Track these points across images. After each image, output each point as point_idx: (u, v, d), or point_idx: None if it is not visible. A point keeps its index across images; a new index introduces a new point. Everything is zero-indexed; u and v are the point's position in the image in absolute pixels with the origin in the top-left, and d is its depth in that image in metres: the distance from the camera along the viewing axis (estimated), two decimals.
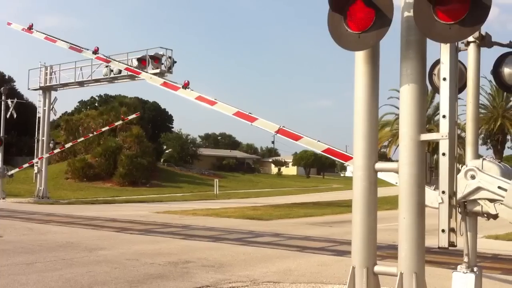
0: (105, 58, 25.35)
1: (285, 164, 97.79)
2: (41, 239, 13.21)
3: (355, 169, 5.47)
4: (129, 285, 7.90)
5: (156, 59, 25.39)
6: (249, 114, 11.49)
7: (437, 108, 31.41)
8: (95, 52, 24.92)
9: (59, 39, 26.89)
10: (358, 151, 5.41)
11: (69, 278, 8.28)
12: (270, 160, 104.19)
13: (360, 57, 5.25)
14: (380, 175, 5.52)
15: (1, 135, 31.38)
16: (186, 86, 11.64)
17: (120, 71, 26.92)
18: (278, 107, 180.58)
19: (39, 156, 30.86)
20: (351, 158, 7.71)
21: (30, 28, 27.12)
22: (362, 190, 5.41)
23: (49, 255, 10.68)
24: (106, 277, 8.43)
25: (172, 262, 9.99)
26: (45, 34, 27.71)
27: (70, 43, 26.20)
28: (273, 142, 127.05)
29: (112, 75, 27.22)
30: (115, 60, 25.65)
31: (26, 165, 33.45)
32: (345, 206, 24.95)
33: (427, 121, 34.49)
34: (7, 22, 30.62)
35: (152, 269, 9.22)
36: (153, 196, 37.51)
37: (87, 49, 25.42)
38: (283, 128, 10.73)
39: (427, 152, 4.98)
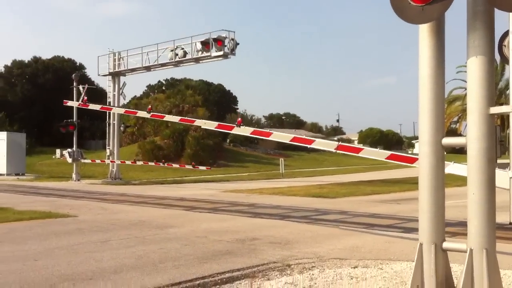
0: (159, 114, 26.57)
1: (350, 142, 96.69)
2: (114, 218, 13.79)
3: (421, 144, 5.39)
4: (199, 261, 8.14)
5: (219, 41, 25.66)
6: (306, 137, 11.52)
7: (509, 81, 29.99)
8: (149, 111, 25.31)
9: (113, 107, 29.44)
10: (424, 126, 5.31)
11: (141, 255, 8.63)
12: (335, 138, 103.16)
13: (424, 30, 5.13)
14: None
15: (75, 120, 32.75)
16: (239, 124, 11.86)
17: (184, 55, 27.45)
18: (339, 86, 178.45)
19: (111, 139, 32.05)
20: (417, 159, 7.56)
21: (85, 102, 28.53)
22: (429, 166, 5.33)
23: (122, 233, 11.15)
24: (176, 254, 8.73)
25: (240, 239, 10.20)
26: (100, 105, 29.36)
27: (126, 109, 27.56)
28: (338, 121, 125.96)
29: (177, 59, 27.78)
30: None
31: (98, 161, 34.78)
32: (413, 183, 24.40)
33: (499, 95, 33.07)
34: (63, 101, 32.23)
35: (220, 246, 9.46)
36: (220, 176, 38.16)
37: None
38: (341, 144, 10.61)
39: (497, 126, 4.83)
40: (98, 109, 29.81)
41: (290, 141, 11.61)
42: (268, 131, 11.59)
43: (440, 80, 5.23)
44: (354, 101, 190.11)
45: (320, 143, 11.66)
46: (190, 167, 33.83)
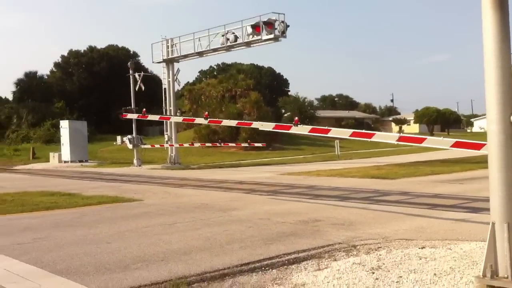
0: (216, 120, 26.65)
1: (406, 122, 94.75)
2: (178, 202, 14.15)
3: (489, 123, 5.29)
4: (264, 242, 8.28)
5: (269, 24, 25.62)
6: (365, 132, 11.32)
7: None
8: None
9: (171, 116, 30.17)
10: (491, 103, 5.21)
11: (208, 237, 8.85)
12: (390, 118, 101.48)
13: (487, 6, 5.02)
14: None
15: (133, 107, 33.55)
16: (297, 123, 11.80)
17: (235, 39, 27.57)
18: (392, 65, 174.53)
19: (168, 125, 32.70)
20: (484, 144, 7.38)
21: (144, 113, 28.95)
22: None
23: (187, 216, 11.45)
24: (242, 235, 8.91)
25: (303, 220, 10.28)
26: (159, 115, 29.85)
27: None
28: (392, 101, 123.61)
29: (228, 44, 27.95)
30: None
31: (157, 146, 35.52)
32: (475, 162, 23.85)
33: None
34: (121, 115, 32.83)
35: (284, 228, 9.57)
36: (276, 158, 38.32)
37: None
38: (403, 135, 10.35)
39: None
40: (157, 119, 29.98)
41: (350, 136, 11.47)
42: (326, 128, 11.47)
43: (507, 55, 5.10)
44: (408, 80, 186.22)
45: (380, 136, 11.45)
46: (246, 144, 34.21)
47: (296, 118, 12.75)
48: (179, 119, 28.57)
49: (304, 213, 11.31)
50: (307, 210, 11.82)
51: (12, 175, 29.68)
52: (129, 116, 29.43)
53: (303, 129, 12.29)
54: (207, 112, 28.98)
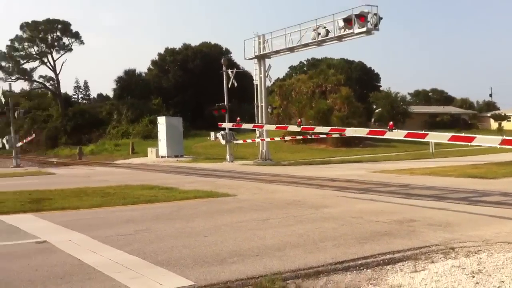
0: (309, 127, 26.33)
1: (506, 118, 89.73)
2: (271, 198, 14.35)
3: None
4: (358, 241, 8.23)
5: (361, 17, 25.18)
6: (465, 136, 10.84)
7: None
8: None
9: (264, 124, 29.95)
10: None
11: (301, 234, 8.93)
12: (489, 114, 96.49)
13: None
14: None
15: (225, 103, 34.29)
16: (391, 128, 11.50)
17: (327, 33, 27.36)
18: (491, 58, 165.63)
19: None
20: None
21: (238, 122, 29.31)
22: None
23: (280, 212, 11.60)
24: (334, 233, 8.91)
25: (397, 220, 10.10)
26: (252, 123, 29.96)
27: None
28: (490, 95, 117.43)
29: (319, 38, 27.81)
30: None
31: (249, 140, 36.10)
32: None
33: None
34: (214, 111, 33.50)
35: (377, 227, 9.46)
36: (367, 156, 37.72)
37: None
38: (506, 138, 9.75)
39: None
40: (250, 127, 30.25)
41: (448, 140, 11.04)
42: (422, 132, 11.10)
43: None
44: (508, 73, 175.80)
45: (481, 140, 10.94)
46: (337, 135, 33.94)
47: (391, 122, 12.45)
48: (272, 127, 28.75)
49: (399, 213, 11.10)
50: (401, 210, 11.59)
51: (114, 169, 31.35)
52: (224, 125, 30.15)
53: (398, 134, 12.01)
54: (300, 120, 28.94)
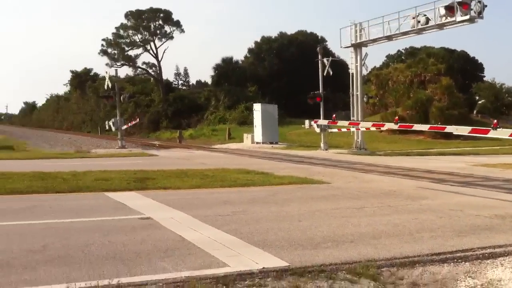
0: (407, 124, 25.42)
1: None
2: (365, 187, 14.24)
3: None
4: (457, 234, 8.03)
5: (464, 4, 24.10)
6: None
7: None
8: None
9: (360, 121, 29.68)
10: None
11: (397, 223, 8.84)
12: None
13: None
14: None
15: (320, 91, 34.15)
16: (495, 126, 10.94)
17: (427, 21, 26.44)
18: None
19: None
20: None
21: (334, 119, 28.76)
22: None
23: (375, 201, 11.50)
24: (432, 225, 8.73)
25: (499, 215, 9.70)
26: (347, 116, 29.05)
27: None
28: None
29: (419, 26, 26.95)
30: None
31: (343, 130, 35.77)
32: None
33: None
34: (309, 99, 33.17)
35: (478, 221, 9.15)
36: (468, 149, 36.14)
37: None
38: None
39: None
40: (346, 125, 29.83)
41: None
42: None
43: None
44: None
45: None
46: (435, 125, 32.70)
47: (495, 121, 11.90)
48: (368, 124, 28.28)
49: (501, 208, 10.65)
50: (504, 205, 11.10)
51: (211, 153, 32.34)
52: (319, 122, 30.06)
53: (502, 133, 11.46)
54: (397, 117, 28.19)
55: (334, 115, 28.28)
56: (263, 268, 6.10)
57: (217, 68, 75.42)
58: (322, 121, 30.38)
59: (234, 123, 62.15)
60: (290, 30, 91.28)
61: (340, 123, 29.45)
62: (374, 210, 10.25)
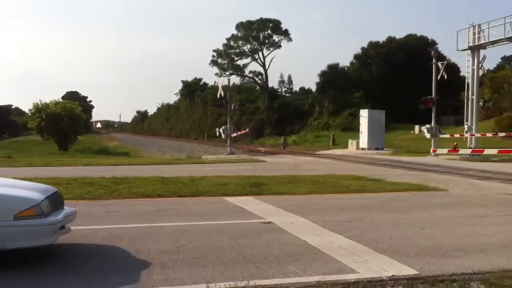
0: None
1: None
2: (485, 194, 13.64)
3: None
4: None
5: None
6: None
7: None
8: None
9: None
10: None
11: None
12: None
13: None
14: None
15: (433, 96, 33.05)
16: None
17: None
18: None
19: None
20: None
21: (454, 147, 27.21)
22: None
23: (499, 209, 11.02)
24: None
25: None
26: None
27: None
28: None
29: None
30: None
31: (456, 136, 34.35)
32: None
33: None
34: (421, 104, 31.97)
35: None
36: None
37: None
38: None
39: None
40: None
41: None
42: None
43: None
44: None
45: None
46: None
47: None
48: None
49: None
50: None
51: (317, 159, 32.39)
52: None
53: None
54: None
55: (455, 144, 27.31)
56: (393, 275, 6.07)
57: (322, 74, 75.42)
58: (434, 127, 29.39)
59: (337, 129, 61.78)
60: (399, 34, 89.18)
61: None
62: (500, 219, 9.83)
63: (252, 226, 9.09)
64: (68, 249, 7.37)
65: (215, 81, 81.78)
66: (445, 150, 31.79)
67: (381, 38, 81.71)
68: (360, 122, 42.08)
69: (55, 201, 7.00)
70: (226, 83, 38.13)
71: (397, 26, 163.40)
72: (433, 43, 75.35)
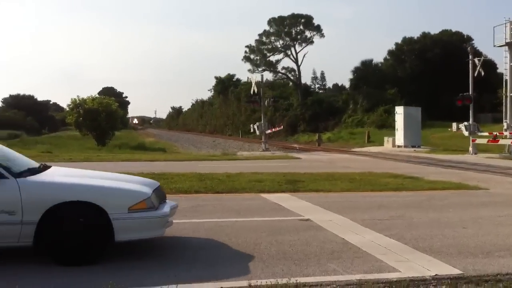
0: None
1: None
2: None
3: None
4: None
5: None
6: None
7: None
8: None
9: None
10: None
11: None
12: None
13: None
14: None
15: (470, 93, 32.40)
16: None
17: None
18: None
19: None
20: None
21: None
22: None
23: None
24: None
25: None
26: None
27: None
28: None
29: None
30: None
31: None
32: None
33: None
34: (458, 101, 31.28)
35: None
36: None
37: None
38: None
39: None
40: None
41: None
42: None
43: None
44: None
45: None
46: None
47: None
48: None
49: None
50: None
51: (352, 156, 32.13)
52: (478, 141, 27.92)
53: None
54: None
55: (495, 134, 26.68)
56: (436, 275, 6.00)
57: (356, 71, 74.63)
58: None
59: (372, 126, 61.10)
60: (434, 30, 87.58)
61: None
62: None
63: (290, 223, 9.09)
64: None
65: (248, 77, 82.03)
66: (485, 140, 31.22)
67: (415, 33, 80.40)
68: (396, 119, 41.51)
69: (160, 195, 7.36)
70: (259, 79, 38.24)
71: (431, 21, 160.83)
72: (469, 39, 73.71)
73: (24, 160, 7.47)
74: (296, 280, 5.60)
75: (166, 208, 7.09)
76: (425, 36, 76.87)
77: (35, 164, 7.52)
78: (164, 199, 7.44)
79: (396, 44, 78.56)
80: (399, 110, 41.28)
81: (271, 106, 67.13)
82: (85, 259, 6.34)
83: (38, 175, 6.92)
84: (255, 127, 36.67)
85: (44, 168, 7.40)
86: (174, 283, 5.60)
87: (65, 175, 7.52)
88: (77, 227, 6.35)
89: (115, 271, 6.12)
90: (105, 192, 6.65)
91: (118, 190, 6.81)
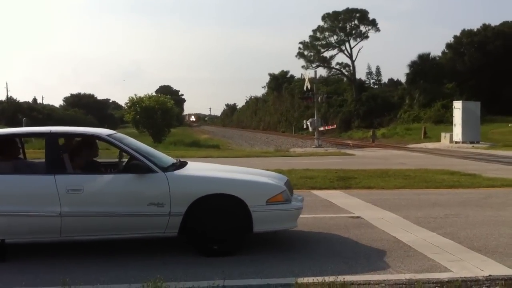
0: None
1: None
2: None
3: None
4: None
5: None
6: None
7: None
8: None
9: None
10: None
11: None
12: None
13: None
14: None
15: None
16: None
17: None
18: None
19: None
20: None
21: None
22: None
23: None
24: None
25: None
26: None
27: None
28: None
29: None
30: None
31: None
32: None
33: None
34: None
35: None
36: None
37: None
38: None
39: None
40: None
41: None
42: None
43: None
44: None
45: None
46: None
47: None
48: None
49: None
50: None
51: (408, 152, 31.48)
52: None
53: None
54: None
55: None
56: (490, 275, 5.81)
57: (412, 65, 72.88)
58: None
59: (429, 121, 59.61)
60: (494, 21, 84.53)
61: None
62: None
63: (340, 221, 9.01)
64: None
65: (301, 74, 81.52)
66: None
67: (475, 25, 77.69)
68: (454, 114, 40.29)
69: (290, 188, 7.60)
70: (312, 75, 37.99)
71: (492, 12, 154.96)
72: None
73: (164, 156, 7.90)
74: (344, 279, 5.54)
75: (299, 202, 7.42)
76: (485, 28, 74.27)
77: (173, 160, 7.90)
78: (292, 192, 7.63)
79: (455, 36, 76.29)
80: (457, 105, 40.06)
81: (324, 102, 66.66)
82: (225, 251, 6.69)
83: (182, 169, 7.31)
84: (308, 123, 36.47)
85: (182, 163, 7.78)
86: (228, 278, 5.65)
87: (205, 169, 7.96)
88: (220, 219, 6.69)
89: (258, 264, 6.25)
90: (245, 185, 6.97)
91: (257, 183, 7.14)
